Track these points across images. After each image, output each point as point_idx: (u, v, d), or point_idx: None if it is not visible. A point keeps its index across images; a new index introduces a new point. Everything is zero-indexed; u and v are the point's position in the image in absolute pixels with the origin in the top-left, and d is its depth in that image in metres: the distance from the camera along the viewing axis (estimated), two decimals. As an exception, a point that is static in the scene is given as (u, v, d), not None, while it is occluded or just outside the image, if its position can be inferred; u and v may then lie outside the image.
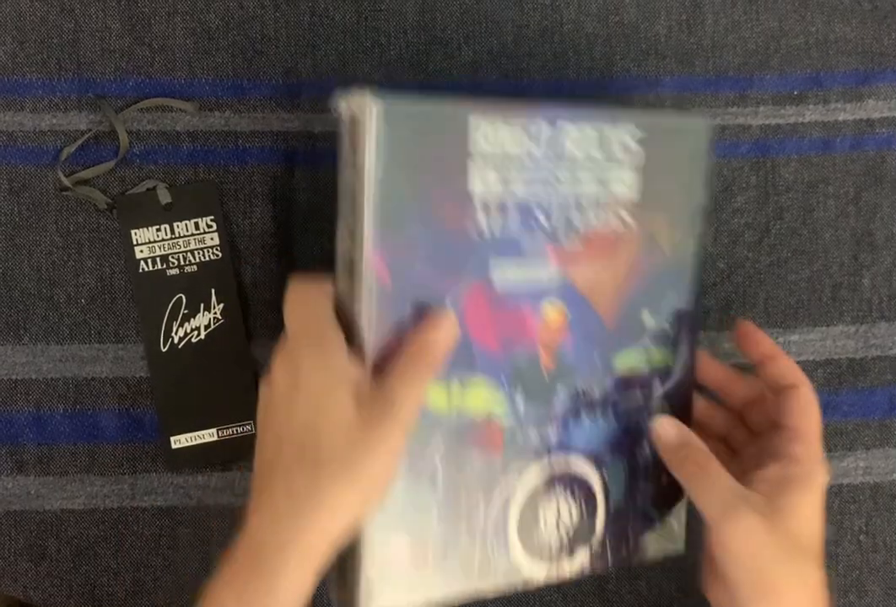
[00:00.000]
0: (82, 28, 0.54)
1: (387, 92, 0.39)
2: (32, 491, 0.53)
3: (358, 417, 0.38)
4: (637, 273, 0.46)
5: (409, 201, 0.40)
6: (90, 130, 0.54)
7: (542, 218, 0.43)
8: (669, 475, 0.45)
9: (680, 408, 0.48)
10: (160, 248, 0.53)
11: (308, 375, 0.39)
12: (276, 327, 0.54)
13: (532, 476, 0.45)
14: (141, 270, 0.53)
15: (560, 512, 0.46)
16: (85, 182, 0.54)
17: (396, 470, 0.40)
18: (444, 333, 0.41)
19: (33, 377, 0.53)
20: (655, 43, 0.56)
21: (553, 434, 0.45)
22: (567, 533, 0.46)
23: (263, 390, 0.41)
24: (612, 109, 0.45)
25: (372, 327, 0.40)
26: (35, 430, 0.53)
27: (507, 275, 0.43)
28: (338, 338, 0.40)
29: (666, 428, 0.46)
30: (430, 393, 0.42)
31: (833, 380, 0.56)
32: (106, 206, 0.53)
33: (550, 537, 0.46)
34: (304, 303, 0.42)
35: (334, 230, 0.55)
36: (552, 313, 0.44)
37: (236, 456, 0.53)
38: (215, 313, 0.54)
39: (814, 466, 0.44)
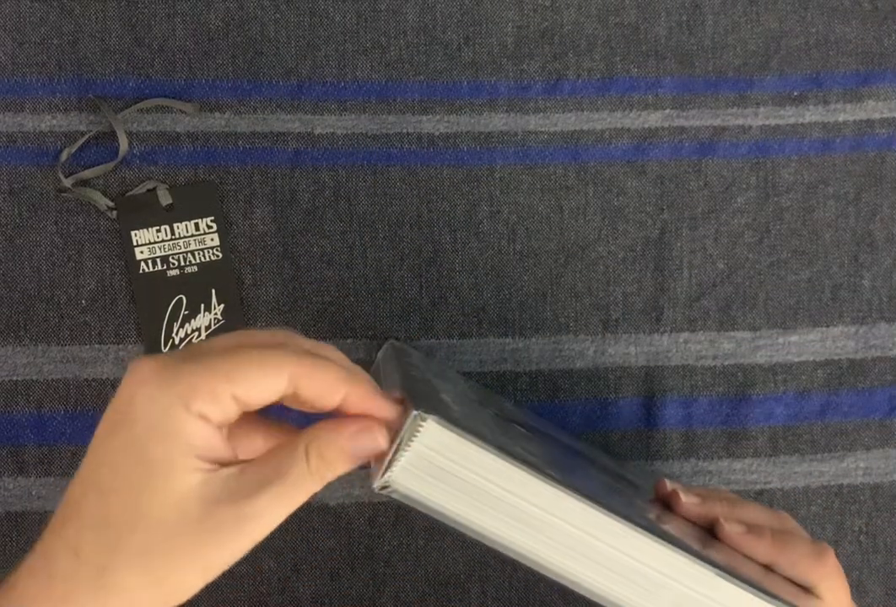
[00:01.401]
0: (82, 29, 0.54)
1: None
2: (33, 493, 0.53)
3: (200, 510, 0.31)
4: None
5: None
6: (90, 131, 0.54)
7: None
8: None
9: None
10: (160, 249, 0.53)
11: (145, 417, 0.31)
12: (276, 327, 0.54)
13: None
14: (141, 271, 0.53)
15: None
16: (85, 183, 0.54)
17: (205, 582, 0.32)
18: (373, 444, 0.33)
19: (34, 378, 0.53)
20: (655, 44, 0.56)
21: None
22: None
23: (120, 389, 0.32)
24: None
25: None
26: (36, 431, 0.53)
27: None
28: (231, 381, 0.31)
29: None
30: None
31: (833, 380, 0.56)
32: (106, 207, 0.53)
33: None
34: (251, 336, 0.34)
35: (334, 230, 0.55)
36: None
37: (237, 456, 0.53)
38: (216, 314, 0.54)
39: None
